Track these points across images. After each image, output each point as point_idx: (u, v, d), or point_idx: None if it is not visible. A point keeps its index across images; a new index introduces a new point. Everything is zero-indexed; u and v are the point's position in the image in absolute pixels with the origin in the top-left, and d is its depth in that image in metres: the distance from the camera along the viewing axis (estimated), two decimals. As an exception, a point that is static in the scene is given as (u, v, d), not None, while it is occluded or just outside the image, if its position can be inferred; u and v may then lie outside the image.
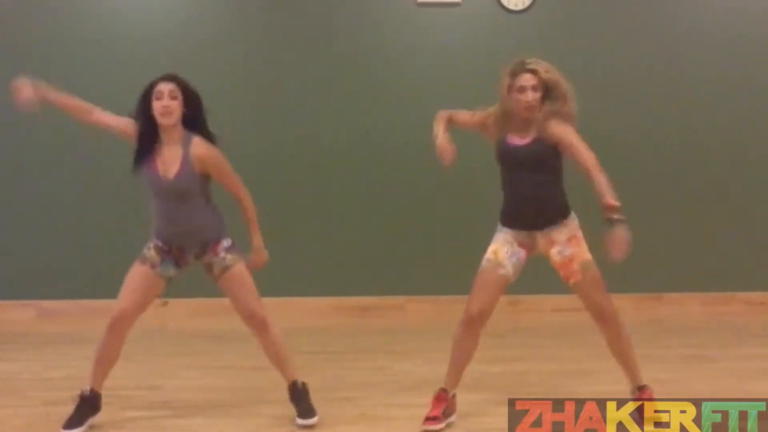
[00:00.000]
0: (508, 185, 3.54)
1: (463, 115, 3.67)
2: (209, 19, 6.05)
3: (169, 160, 3.45)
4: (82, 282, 5.97)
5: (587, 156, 3.34)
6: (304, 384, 3.65)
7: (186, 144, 3.46)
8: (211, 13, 6.06)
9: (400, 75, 6.05)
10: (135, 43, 5.95)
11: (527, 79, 3.41)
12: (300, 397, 3.61)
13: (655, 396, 3.55)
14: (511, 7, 6.00)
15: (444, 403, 3.57)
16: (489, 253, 3.54)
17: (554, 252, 3.51)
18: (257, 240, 3.59)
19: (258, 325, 3.55)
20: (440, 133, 3.52)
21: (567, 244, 3.49)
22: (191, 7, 6.04)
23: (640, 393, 3.54)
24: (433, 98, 6.00)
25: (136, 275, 3.50)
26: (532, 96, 3.40)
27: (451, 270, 5.99)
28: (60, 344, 5.20)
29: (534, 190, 3.47)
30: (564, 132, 3.41)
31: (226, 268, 3.51)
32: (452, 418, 3.60)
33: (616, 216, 3.21)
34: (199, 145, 3.47)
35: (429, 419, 3.52)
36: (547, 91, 3.43)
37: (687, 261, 6.05)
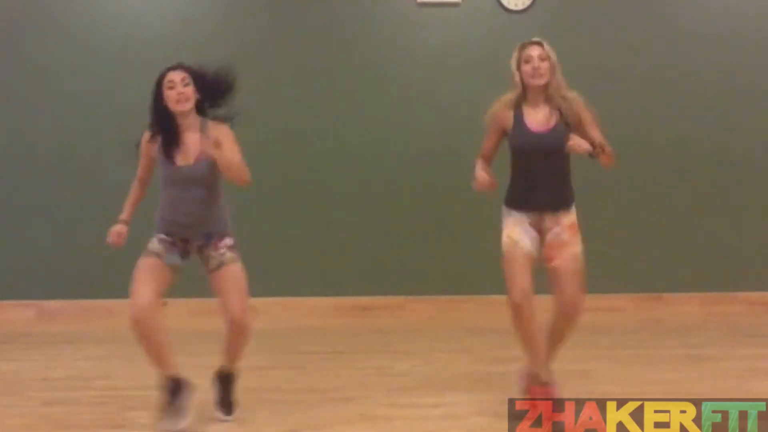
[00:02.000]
0: (524, 170, 3.52)
1: (486, 143, 3.66)
2: (208, 19, 6.04)
3: (188, 147, 3.51)
4: (82, 282, 5.96)
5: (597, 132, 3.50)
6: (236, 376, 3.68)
7: (203, 129, 3.54)
8: (210, 13, 6.06)
9: (400, 75, 6.04)
10: (135, 44, 5.94)
11: (534, 50, 3.49)
12: (228, 386, 3.67)
13: (540, 395, 3.44)
14: (511, 7, 6.00)
15: (547, 392, 3.45)
16: (504, 237, 3.53)
17: (553, 232, 3.51)
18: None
19: (236, 329, 3.52)
20: (479, 170, 3.54)
21: (567, 230, 3.51)
22: (191, 8, 6.04)
23: (531, 383, 3.50)
24: (433, 98, 6.03)
25: (145, 266, 3.47)
26: (539, 63, 3.47)
27: (451, 270, 6.00)
28: (60, 344, 5.19)
29: (553, 174, 3.50)
30: (582, 109, 3.51)
31: (221, 264, 3.50)
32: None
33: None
34: (215, 128, 3.55)
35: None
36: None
37: (687, 261, 6.04)
